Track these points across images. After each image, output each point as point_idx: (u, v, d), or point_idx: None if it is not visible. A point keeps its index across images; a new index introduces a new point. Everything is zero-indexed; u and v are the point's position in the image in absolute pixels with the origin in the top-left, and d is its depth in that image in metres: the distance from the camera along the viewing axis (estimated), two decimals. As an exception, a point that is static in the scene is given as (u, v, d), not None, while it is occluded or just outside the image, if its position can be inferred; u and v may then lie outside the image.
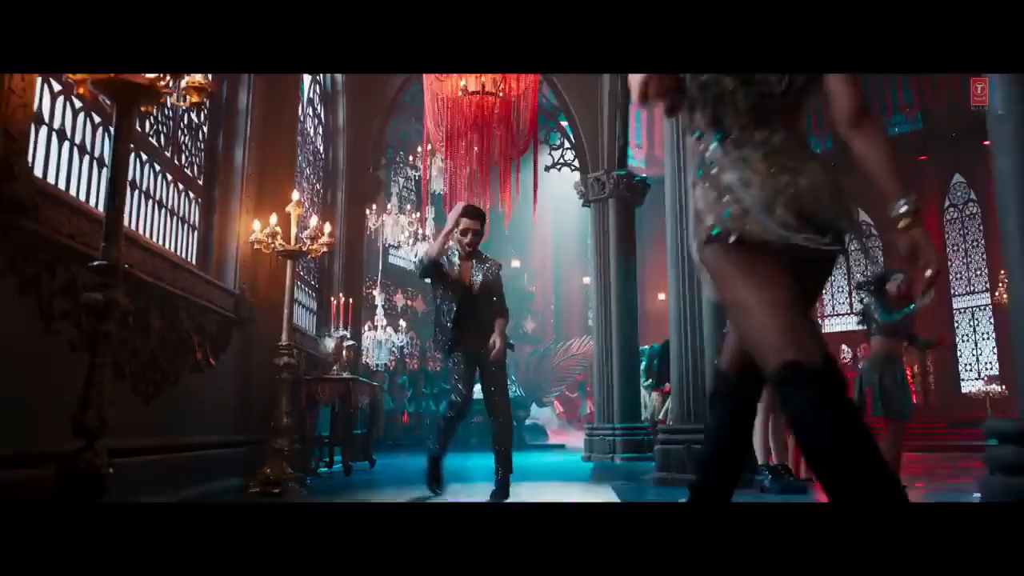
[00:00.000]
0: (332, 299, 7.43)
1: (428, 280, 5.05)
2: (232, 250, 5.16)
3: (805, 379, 1.57)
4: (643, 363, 9.68)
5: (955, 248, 22.23)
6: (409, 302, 17.64)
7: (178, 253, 4.77)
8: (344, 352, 7.27)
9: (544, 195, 19.26)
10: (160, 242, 4.52)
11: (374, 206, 11.94)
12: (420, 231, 11.67)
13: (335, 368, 6.96)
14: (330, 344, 6.99)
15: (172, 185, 4.68)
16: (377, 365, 11.51)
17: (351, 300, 7.54)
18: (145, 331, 3.71)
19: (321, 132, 8.80)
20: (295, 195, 4.98)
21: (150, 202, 4.42)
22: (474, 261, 4.91)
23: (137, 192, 4.27)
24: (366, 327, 10.93)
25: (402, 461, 9.33)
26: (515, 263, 20.21)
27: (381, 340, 11.38)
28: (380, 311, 12.12)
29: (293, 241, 4.91)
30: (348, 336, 7.35)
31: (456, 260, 4.84)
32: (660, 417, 8.66)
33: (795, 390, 1.59)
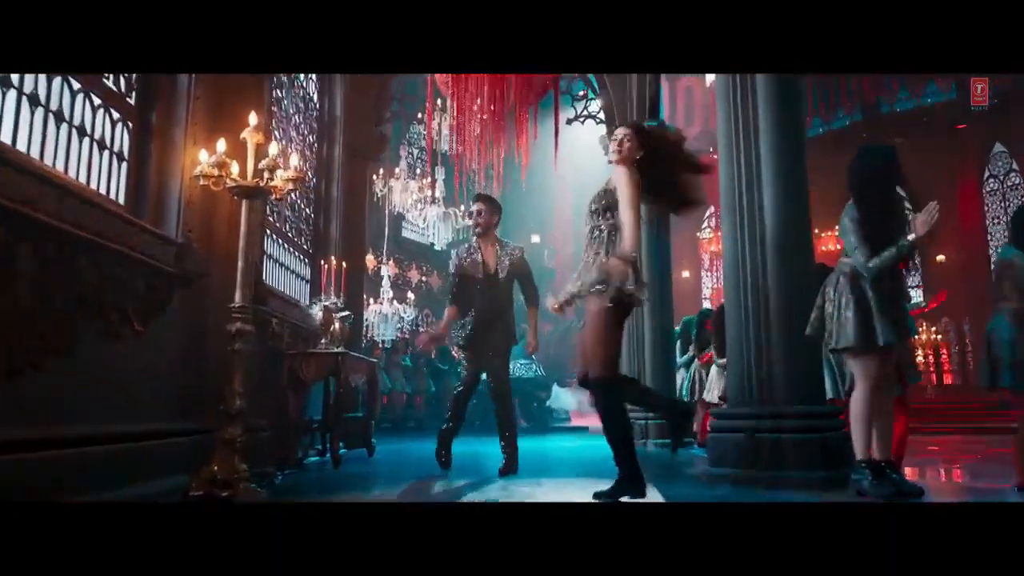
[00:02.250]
0: (323, 263, 6.25)
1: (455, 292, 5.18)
2: (174, 188, 3.98)
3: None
4: (678, 336, 8.47)
5: (995, 221, 20.70)
6: (424, 278, 16.47)
7: (104, 192, 3.61)
8: (337, 324, 6.12)
9: (564, 163, 17.99)
10: (70, 172, 3.36)
11: (381, 170, 10.78)
12: (430, 195, 10.46)
13: (323, 341, 5.80)
14: (317, 313, 5.83)
15: (87, 97, 3.50)
16: (384, 341, 10.39)
17: (344, 264, 6.36)
18: (6, 279, 2.55)
19: (315, 78, 7.59)
20: (253, 118, 3.76)
21: (59, 123, 3.27)
22: (496, 248, 5.08)
23: (39, 108, 3.12)
24: (371, 301, 9.79)
25: (406, 447, 8.21)
26: (535, 238, 18.99)
27: (387, 314, 10.22)
28: (386, 282, 10.94)
29: (250, 175, 3.71)
30: (340, 304, 6.19)
31: (478, 254, 5.05)
32: (705, 397, 7.41)
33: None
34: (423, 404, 11.20)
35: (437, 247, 11.28)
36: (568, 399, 13.63)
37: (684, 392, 8.19)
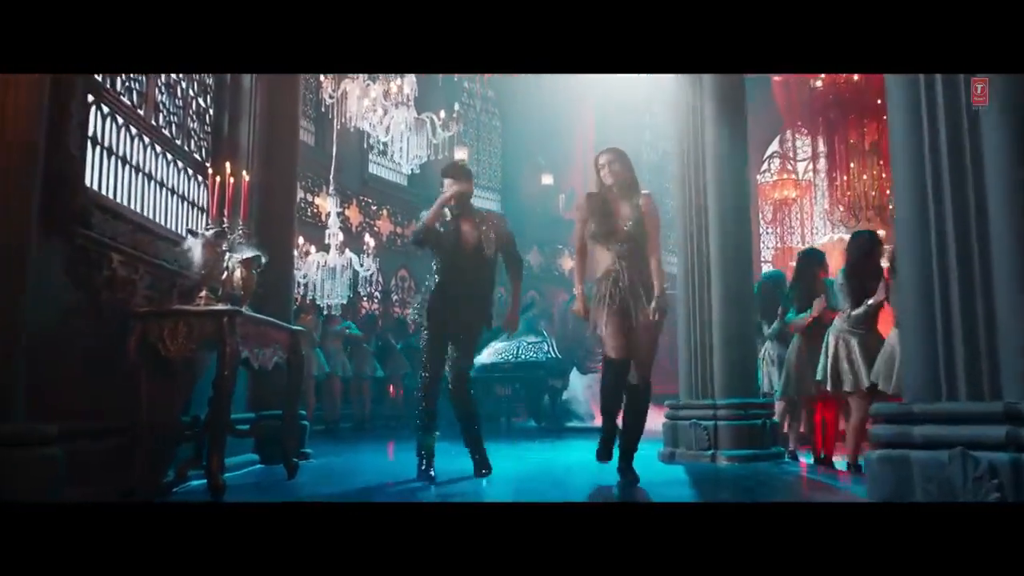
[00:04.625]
0: (215, 175, 4.73)
1: (422, 249, 5.45)
2: None
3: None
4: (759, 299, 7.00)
5: None
6: (398, 229, 14.89)
7: None
8: (235, 269, 4.63)
9: (584, 86, 16.39)
10: None
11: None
12: (395, 91, 8.82)
13: (202, 295, 4.30)
14: (194, 248, 4.31)
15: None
16: (330, 307, 8.88)
17: (246, 177, 4.85)
18: None
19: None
20: None
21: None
22: (475, 219, 5.27)
23: None
24: (310, 248, 8.26)
25: (355, 458, 6.76)
26: (546, 179, 17.38)
27: (336, 267, 8.66)
28: (333, 220, 9.27)
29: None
30: (240, 238, 4.68)
31: (451, 232, 5.17)
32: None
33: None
34: (367, 392, 9.65)
35: (405, 169, 9.61)
36: (588, 390, 12.00)
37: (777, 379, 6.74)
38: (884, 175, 14.23)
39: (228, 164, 4.83)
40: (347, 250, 9.21)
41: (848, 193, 13.82)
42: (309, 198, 12.05)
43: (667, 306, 4.77)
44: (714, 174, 6.50)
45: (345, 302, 9.29)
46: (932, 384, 2.98)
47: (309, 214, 12.12)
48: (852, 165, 13.93)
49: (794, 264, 6.99)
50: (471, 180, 5.38)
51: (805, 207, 17.44)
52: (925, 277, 3.07)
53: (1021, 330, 2.78)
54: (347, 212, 13.29)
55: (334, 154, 9.48)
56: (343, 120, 8.92)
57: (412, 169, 9.73)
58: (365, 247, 9.51)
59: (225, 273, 4.67)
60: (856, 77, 12.37)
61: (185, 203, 5.37)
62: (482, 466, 5.18)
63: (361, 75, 9.09)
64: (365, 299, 12.99)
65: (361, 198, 14.15)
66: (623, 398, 4.90)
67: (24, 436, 2.74)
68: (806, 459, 6.49)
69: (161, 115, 5.12)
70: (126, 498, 3.75)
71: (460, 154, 15.31)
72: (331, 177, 9.53)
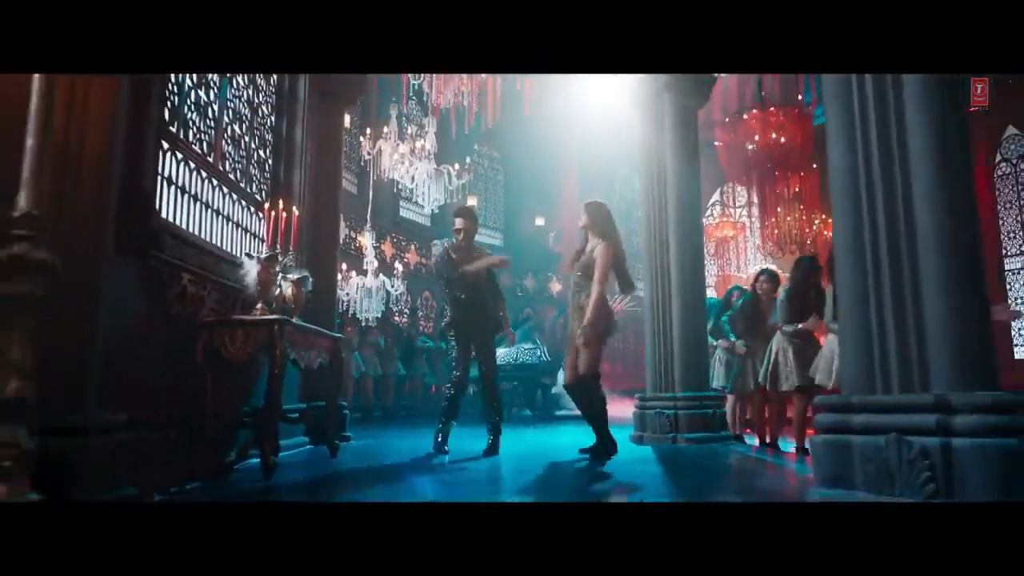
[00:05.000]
0: (270, 209, 4.48)
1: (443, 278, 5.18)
2: None
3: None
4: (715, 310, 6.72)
5: (1008, 206, 18.80)
6: (422, 260, 14.62)
7: None
8: (287, 288, 4.36)
9: (569, 137, 16.18)
10: None
11: (369, 130, 8.96)
12: (420, 147, 8.57)
13: (259, 307, 4.03)
14: (250, 268, 4.05)
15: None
16: (367, 320, 8.59)
17: (296, 212, 4.60)
18: None
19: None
20: None
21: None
22: (474, 252, 5.18)
23: None
24: (352, 274, 7.99)
25: (385, 442, 6.45)
26: (539, 220, 17.14)
27: (372, 288, 8.38)
28: (370, 252, 9.02)
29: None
30: (290, 261, 4.42)
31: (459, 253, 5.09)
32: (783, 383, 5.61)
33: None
34: (391, 388, 9.33)
35: (427, 210, 9.39)
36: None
37: (724, 377, 6.44)
38: (804, 217, 14.05)
39: (281, 201, 4.59)
40: (381, 275, 8.95)
41: (776, 231, 13.59)
42: (352, 235, 11.81)
43: (598, 332, 4.55)
44: (675, 214, 6.33)
45: (380, 316, 9.04)
46: (869, 378, 2.63)
47: (352, 248, 11.92)
48: (779, 210, 13.72)
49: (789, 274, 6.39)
50: (476, 220, 5.35)
51: (740, 243, 17.24)
52: (860, 281, 2.69)
53: (947, 328, 2.45)
54: (383, 246, 13.03)
55: (371, 199, 9.24)
56: (379, 172, 8.69)
57: (432, 210, 9.50)
58: (395, 272, 9.25)
59: (278, 290, 4.42)
60: (782, 140, 12.13)
61: (248, 235, 5.10)
62: (493, 450, 4.98)
63: (392, 135, 8.87)
64: (397, 315, 12.68)
65: (394, 235, 13.89)
66: (588, 402, 4.77)
67: (93, 425, 2.44)
68: (750, 442, 6.20)
69: (227, 162, 4.88)
70: (191, 479, 3.46)
71: (471, 201, 15.14)
72: (368, 217, 9.29)
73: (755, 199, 15.17)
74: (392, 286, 8.93)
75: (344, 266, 9.05)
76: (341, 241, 13.08)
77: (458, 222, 5.18)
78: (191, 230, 4.12)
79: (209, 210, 4.60)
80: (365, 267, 8.87)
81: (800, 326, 5.24)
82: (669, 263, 6.31)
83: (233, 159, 5.00)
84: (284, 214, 4.51)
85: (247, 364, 4.14)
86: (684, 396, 5.98)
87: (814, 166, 14.63)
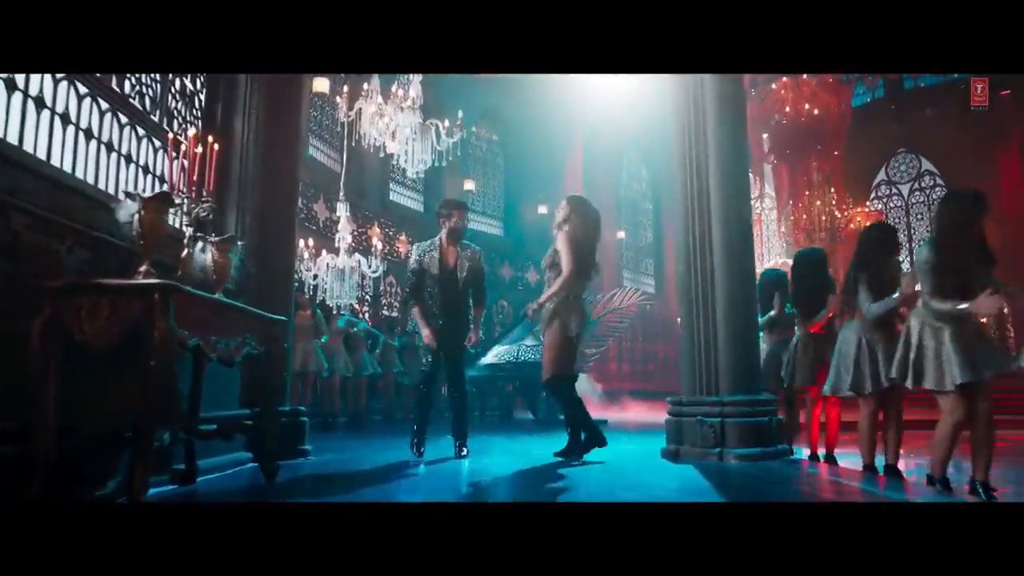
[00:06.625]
0: (175, 136, 3.20)
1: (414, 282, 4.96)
2: None
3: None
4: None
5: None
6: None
7: None
8: (208, 253, 3.11)
9: (573, 132, 14.96)
10: None
11: (346, 88, 7.67)
12: (402, 96, 7.21)
13: (141, 269, 2.74)
14: (127, 211, 2.75)
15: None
16: (339, 308, 7.30)
17: (214, 144, 3.33)
18: None
19: None
20: None
21: None
22: (458, 248, 4.95)
23: None
24: (323, 252, 6.70)
25: (357, 454, 5.12)
26: (542, 209, 15.90)
27: (345, 269, 7.08)
28: (343, 225, 7.59)
29: None
30: (203, 210, 3.15)
31: (436, 252, 4.89)
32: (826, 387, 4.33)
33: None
34: (363, 389, 7.90)
35: (410, 172, 8.00)
36: (583, 387, 10.45)
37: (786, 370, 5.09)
38: (833, 202, 12.82)
39: (193, 130, 3.32)
40: (356, 254, 7.66)
41: (804, 217, 12.32)
42: (329, 215, 10.47)
43: (568, 334, 4.68)
44: (717, 180, 4.98)
45: (355, 302, 7.69)
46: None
47: (330, 233, 10.60)
48: (807, 193, 12.46)
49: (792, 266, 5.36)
50: (466, 212, 5.09)
51: (758, 234, 16.17)
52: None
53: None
54: (369, 231, 11.72)
55: (344, 163, 7.89)
56: (356, 137, 7.37)
57: (417, 173, 8.14)
58: (374, 251, 7.91)
59: (185, 251, 3.15)
60: (815, 112, 10.85)
61: (151, 177, 3.82)
62: (461, 450, 4.81)
63: (373, 93, 7.57)
64: (384, 306, 11.34)
65: (382, 220, 12.57)
66: (569, 400, 4.82)
67: None
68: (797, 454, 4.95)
69: (127, 83, 3.61)
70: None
71: (468, 185, 13.86)
72: (341, 183, 7.93)
73: (771, 185, 14.00)
74: (370, 266, 7.56)
75: (311, 242, 7.76)
76: (320, 225, 11.89)
77: (453, 214, 4.94)
78: (47, 159, 2.85)
79: (95, 142, 3.33)
80: (336, 244, 7.56)
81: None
82: (709, 232, 4.95)
83: (142, 82, 3.74)
84: (199, 148, 3.24)
85: (135, 352, 2.86)
86: (732, 400, 4.65)
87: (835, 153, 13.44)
